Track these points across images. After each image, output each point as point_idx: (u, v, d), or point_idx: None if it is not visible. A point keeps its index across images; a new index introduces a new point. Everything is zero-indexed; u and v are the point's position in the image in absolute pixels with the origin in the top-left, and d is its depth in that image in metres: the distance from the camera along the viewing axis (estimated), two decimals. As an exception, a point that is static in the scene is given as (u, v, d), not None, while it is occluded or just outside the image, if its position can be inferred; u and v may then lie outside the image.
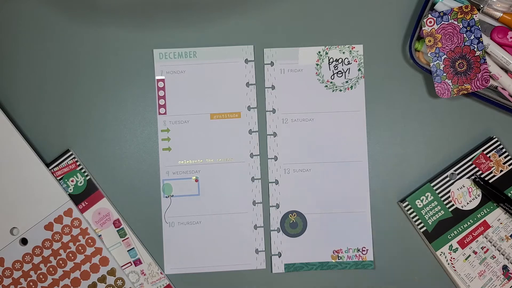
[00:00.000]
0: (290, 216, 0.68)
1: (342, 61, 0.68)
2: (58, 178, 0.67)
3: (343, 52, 0.68)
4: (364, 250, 0.67)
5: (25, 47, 0.68)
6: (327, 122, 0.68)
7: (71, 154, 0.67)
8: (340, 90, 0.68)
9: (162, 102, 0.68)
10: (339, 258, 0.67)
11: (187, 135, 0.68)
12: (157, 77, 0.68)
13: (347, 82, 0.68)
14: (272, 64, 0.68)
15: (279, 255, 0.68)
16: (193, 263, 0.68)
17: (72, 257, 0.67)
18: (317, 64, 0.68)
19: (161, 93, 0.68)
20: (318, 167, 0.68)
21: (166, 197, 0.68)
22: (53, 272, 0.67)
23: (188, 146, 0.68)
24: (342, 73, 0.68)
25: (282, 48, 0.68)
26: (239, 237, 0.68)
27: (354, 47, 0.68)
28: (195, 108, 0.68)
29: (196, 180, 0.68)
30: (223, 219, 0.68)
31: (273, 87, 0.68)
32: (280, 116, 0.68)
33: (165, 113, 0.68)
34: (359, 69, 0.68)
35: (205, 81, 0.68)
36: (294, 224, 0.68)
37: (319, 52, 0.68)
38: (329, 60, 0.68)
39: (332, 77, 0.68)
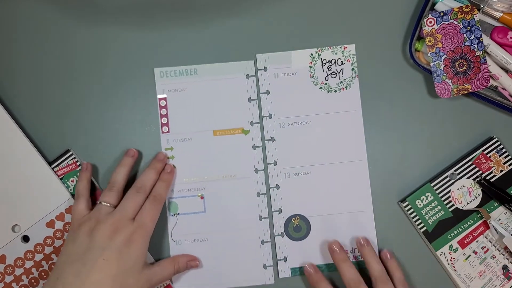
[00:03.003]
0: (293, 220, 0.68)
1: (335, 61, 0.68)
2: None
3: (336, 53, 0.68)
4: None
5: (25, 47, 0.68)
6: (324, 124, 0.68)
7: (71, 154, 0.67)
8: (335, 91, 0.68)
9: (164, 120, 0.68)
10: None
11: (190, 153, 0.68)
12: (159, 96, 0.68)
13: (341, 82, 0.68)
14: (265, 69, 0.68)
15: (285, 259, 0.68)
16: (202, 281, 0.67)
17: (74, 255, 0.67)
18: (311, 67, 0.68)
19: (163, 111, 0.68)
20: (318, 169, 0.68)
21: (172, 215, 0.68)
22: (54, 269, 0.67)
23: (192, 163, 0.68)
24: (336, 73, 0.68)
25: (275, 52, 0.68)
26: (246, 253, 0.68)
27: (346, 47, 0.68)
28: (198, 125, 0.68)
29: (202, 198, 0.68)
30: (230, 235, 0.68)
31: (268, 92, 0.68)
32: (277, 121, 0.68)
33: (168, 131, 0.68)
34: (353, 69, 0.68)
35: (207, 98, 0.68)
36: (297, 228, 0.68)
37: (312, 54, 0.68)
38: (322, 62, 0.68)
39: (326, 79, 0.68)
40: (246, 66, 0.68)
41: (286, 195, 0.68)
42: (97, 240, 0.58)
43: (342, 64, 0.68)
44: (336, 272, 0.67)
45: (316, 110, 0.68)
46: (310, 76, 0.68)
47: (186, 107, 0.68)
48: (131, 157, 0.66)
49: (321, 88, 0.68)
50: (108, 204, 0.62)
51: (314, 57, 0.68)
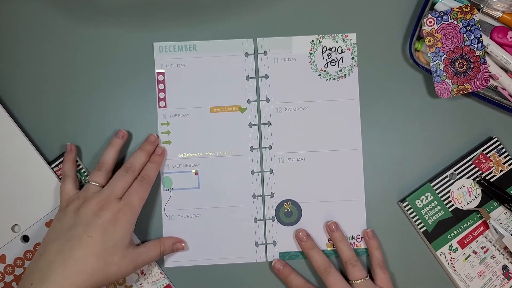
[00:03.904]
0: (285, 205, 0.68)
1: (335, 49, 0.68)
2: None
3: (337, 41, 0.68)
4: (358, 238, 0.68)
5: (25, 47, 0.68)
6: (321, 111, 0.68)
7: (71, 154, 0.68)
8: (334, 79, 0.68)
9: (162, 95, 0.68)
10: (334, 246, 0.67)
11: (187, 129, 0.68)
12: (157, 70, 0.69)
13: (340, 70, 0.68)
14: (265, 53, 0.69)
15: (274, 243, 0.68)
16: (193, 256, 0.68)
17: (74, 255, 0.67)
18: (311, 53, 0.68)
19: (161, 86, 0.69)
20: (313, 155, 0.68)
21: (166, 190, 0.68)
22: (54, 269, 0.67)
23: (188, 139, 0.68)
24: (335, 61, 0.68)
25: (276, 37, 0.69)
26: (239, 230, 0.68)
27: (347, 36, 0.68)
28: (195, 101, 0.69)
29: (196, 173, 0.68)
30: (223, 212, 0.68)
31: (266, 77, 0.69)
32: (274, 106, 0.69)
33: (165, 106, 0.68)
34: (353, 58, 0.68)
35: (205, 74, 0.69)
36: (289, 213, 0.68)
37: (313, 41, 0.68)
38: (322, 49, 0.68)
39: (326, 66, 0.68)
40: (245, 44, 0.69)
41: (279, 179, 0.68)
42: (82, 217, 0.58)
43: (342, 52, 0.68)
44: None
45: (313, 97, 0.69)
46: (309, 62, 0.69)
47: (184, 82, 0.69)
48: (121, 138, 0.66)
49: (320, 75, 0.68)
50: (97, 184, 0.62)
51: (314, 44, 0.68)
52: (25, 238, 0.66)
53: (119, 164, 0.67)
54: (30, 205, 0.66)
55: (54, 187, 0.66)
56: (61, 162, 0.67)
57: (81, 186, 0.67)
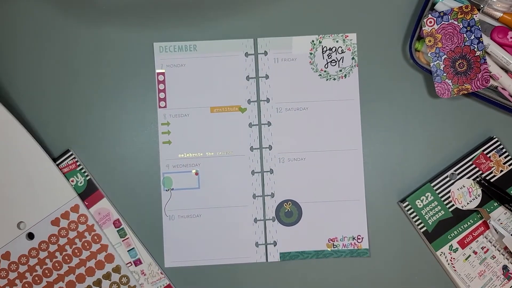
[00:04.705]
0: (285, 205, 0.69)
1: (335, 49, 0.69)
2: (59, 178, 0.68)
3: (337, 41, 0.69)
4: (359, 238, 0.68)
5: (24, 47, 0.69)
6: (322, 111, 0.69)
7: (71, 154, 0.68)
8: (334, 79, 0.69)
9: (162, 95, 0.69)
10: (335, 246, 0.68)
11: (187, 129, 0.69)
12: (157, 71, 0.69)
13: (340, 71, 0.68)
14: (265, 53, 0.69)
15: (274, 244, 0.68)
16: (193, 256, 0.68)
17: (78, 253, 0.68)
18: (311, 53, 0.69)
19: (161, 86, 0.69)
20: (313, 155, 0.68)
21: (166, 190, 0.69)
22: (58, 267, 0.68)
23: (188, 139, 0.69)
24: (335, 61, 0.69)
25: (276, 37, 0.69)
26: (239, 231, 0.69)
27: (347, 36, 0.68)
28: (195, 101, 0.69)
29: (196, 174, 0.69)
30: (223, 213, 0.69)
31: (266, 77, 0.69)
32: (274, 106, 0.69)
33: (165, 107, 0.69)
34: (353, 58, 0.68)
35: (205, 74, 0.69)
36: (289, 213, 0.69)
37: (313, 41, 0.69)
38: (322, 49, 0.69)
39: (326, 66, 0.69)
40: (245, 44, 0.69)
41: (279, 179, 0.69)
42: None
43: (342, 52, 0.69)
44: (324, 259, 0.68)
45: (314, 97, 0.69)
46: (310, 62, 0.69)
47: (184, 82, 0.69)
48: None
49: (320, 75, 0.69)
50: None
51: (315, 44, 0.69)
52: (30, 236, 0.67)
53: (119, 162, 0.68)
54: (36, 203, 0.67)
55: (60, 186, 0.67)
56: (61, 162, 0.68)
57: (81, 186, 0.68)
